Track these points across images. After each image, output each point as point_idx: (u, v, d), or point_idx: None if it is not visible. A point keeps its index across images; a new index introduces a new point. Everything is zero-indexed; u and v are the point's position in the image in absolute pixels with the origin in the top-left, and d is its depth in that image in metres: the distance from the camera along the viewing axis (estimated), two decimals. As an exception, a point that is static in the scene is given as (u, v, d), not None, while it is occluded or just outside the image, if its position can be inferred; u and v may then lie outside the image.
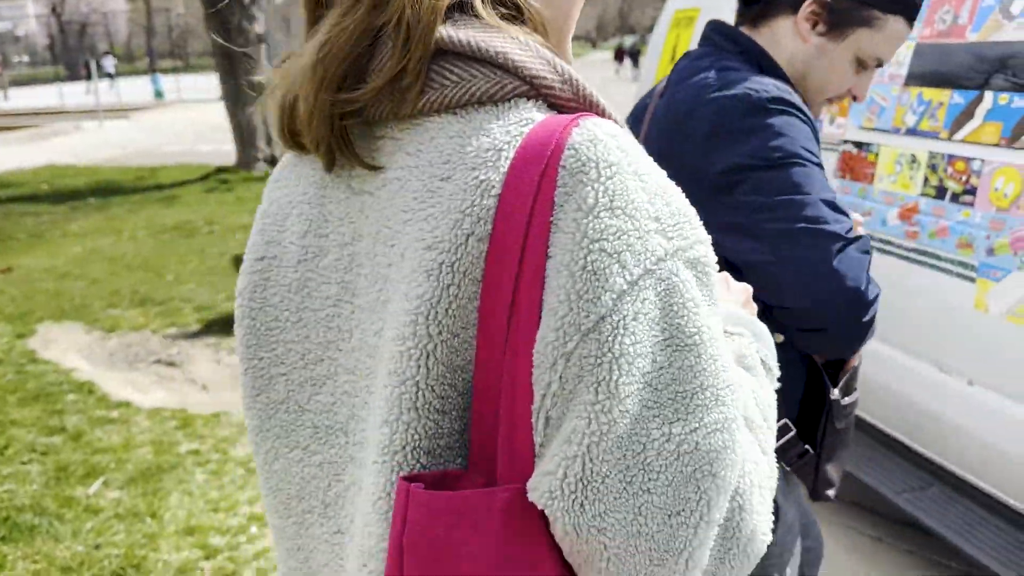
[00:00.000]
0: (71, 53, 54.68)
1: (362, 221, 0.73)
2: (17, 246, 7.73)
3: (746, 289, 0.99)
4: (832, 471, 1.49)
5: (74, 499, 3.21)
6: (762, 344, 0.88)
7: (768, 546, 1.64)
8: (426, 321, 0.67)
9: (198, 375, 4.56)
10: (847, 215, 1.30)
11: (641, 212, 0.65)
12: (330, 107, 0.69)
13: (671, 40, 4.36)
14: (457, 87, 0.69)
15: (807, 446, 1.44)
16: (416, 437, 0.69)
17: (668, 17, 4.49)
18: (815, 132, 1.35)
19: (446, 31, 0.69)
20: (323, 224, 0.76)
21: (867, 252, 1.29)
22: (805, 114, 1.34)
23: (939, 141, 2.54)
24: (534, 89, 0.70)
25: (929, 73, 2.61)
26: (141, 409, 4.07)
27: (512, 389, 0.66)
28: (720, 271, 0.76)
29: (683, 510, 0.64)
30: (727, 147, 1.32)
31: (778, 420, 0.98)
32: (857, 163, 2.87)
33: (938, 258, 2.54)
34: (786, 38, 1.45)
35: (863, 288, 1.26)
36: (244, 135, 10.99)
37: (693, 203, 0.71)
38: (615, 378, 0.62)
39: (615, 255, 0.63)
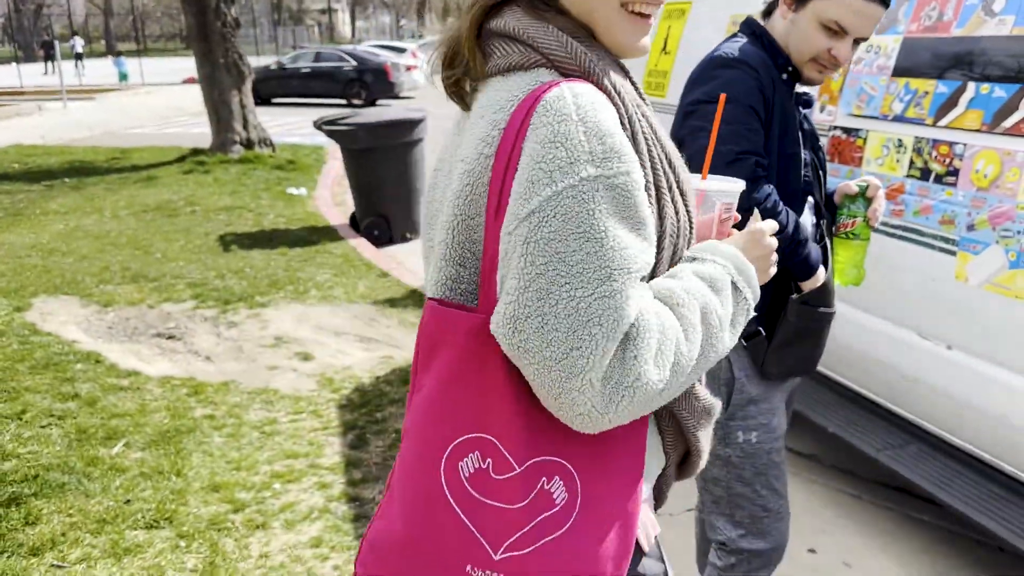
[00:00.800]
0: (26, 34, 53.41)
1: (460, 141, 1.12)
2: (-3, 223, 7.72)
3: (771, 245, 1.20)
4: (781, 359, 1.94)
5: (99, 459, 3.34)
6: (742, 277, 1.11)
7: (756, 445, 1.98)
8: (453, 207, 1.06)
9: (200, 347, 4.67)
10: (754, 144, 1.80)
11: (577, 147, 0.95)
12: (446, 77, 1.13)
13: (662, 32, 4.56)
14: (501, 59, 1.06)
15: (759, 328, 1.91)
16: (444, 278, 1.09)
17: (659, 9, 4.68)
18: (762, 88, 1.84)
19: (496, 21, 1.08)
20: (452, 145, 1.16)
21: (757, 175, 1.77)
22: (759, 72, 1.84)
23: (924, 127, 2.78)
24: (550, 61, 1.04)
25: (916, 65, 2.85)
26: (151, 377, 4.19)
27: (494, 257, 1.01)
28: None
29: (579, 347, 0.94)
30: (696, 88, 1.91)
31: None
32: (846, 147, 3.11)
33: (922, 234, 2.79)
34: (778, 20, 1.93)
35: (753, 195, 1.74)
36: (220, 118, 10.99)
37: (679, 127, 1.33)
38: (536, 253, 0.95)
39: (548, 172, 0.95)
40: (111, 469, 3.27)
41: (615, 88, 1.04)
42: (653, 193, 1.04)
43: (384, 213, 7.36)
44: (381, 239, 7.34)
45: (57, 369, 4.23)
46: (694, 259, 1.10)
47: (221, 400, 3.94)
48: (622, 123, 1.02)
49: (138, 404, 3.86)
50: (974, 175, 2.58)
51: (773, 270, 1.18)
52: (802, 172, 1.92)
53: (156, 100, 22.32)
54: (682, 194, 1.10)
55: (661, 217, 1.05)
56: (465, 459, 1.04)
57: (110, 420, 3.69)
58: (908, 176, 2.83)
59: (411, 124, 7.16)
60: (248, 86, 11.19)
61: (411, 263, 6.51)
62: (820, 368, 2.89)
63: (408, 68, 22.03)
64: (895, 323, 2.97)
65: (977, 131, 2.59)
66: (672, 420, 1.15)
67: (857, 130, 3.07)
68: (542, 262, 0.94)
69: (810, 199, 1.99)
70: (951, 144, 2.67)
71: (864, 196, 1.98)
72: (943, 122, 2.71)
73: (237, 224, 7.71)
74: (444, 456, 1.04)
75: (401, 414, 3.73)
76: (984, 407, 2.65)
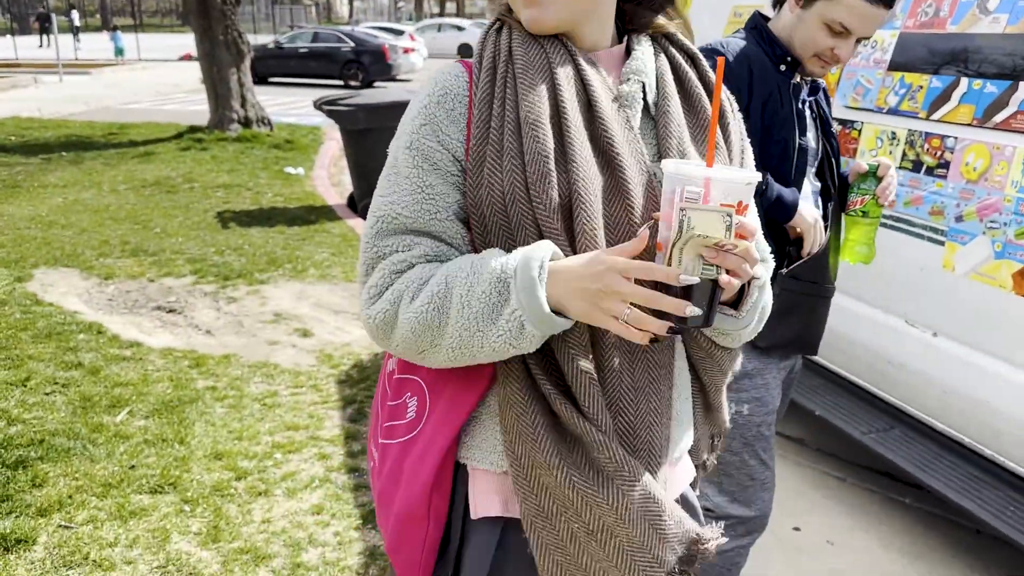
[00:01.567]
0: (21, 6, 52.96)
1: None
2: (-4, 195, 7.74)
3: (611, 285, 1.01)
4: (770, 330, 2.12)
5: (103, 425, 3.41)
6: (518, 283, 1.01)
7: (747, 417, 2.07)
8: None
9: (201, 321, 4.74)
10: None
11: (406, 112, 1.17)
12: None
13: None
14: None
15: None
16: None
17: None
18: (730, 79, 1.85)
19: None
20: None
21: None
22: (733, 65, 1.92)
23: (917, 120, 2.86)
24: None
25: (911, 59, 2.93)
26: (153, 349, 4.26)
27: None
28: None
29: (359, 261, 1.15)
30: None
31: None
32: (841, 139, 3.19)
33: (912, 224, 2.87)
34: (786, 12, 2.00)
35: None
36: (219, 96, 10.99)
37: None
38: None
39: (400, 124, 1.19)
40: (115, 436, 3.34)
41: (481, 65, 1.15)
42: (475, 159, 1.10)
43: (382, 194, 7.41)
44: (379, 220, 7.39)
45: (60, 338, 4.29)
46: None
47: (222, 372, 4.01)
48: (475, 92, 1.13)
49: (140, 374, 3.93)
50: (964, 168, 2.67)
51: (608, 318, 0.98)
52: (794, 158, 1.97)
53: (153, 76, 22.23)
54: (523, 164, 1.07)
55: (477, 185, 1.09)
56: (391, 358, 1.30)
57: (113, 389, 3.76)
58: (900, 167, 2.92)
59: (411, 106, 7.20)
60: (247, 64, 11.19)
61: (408, 244, 6.56)
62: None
63: (406, 50, 21.99)
64: (883, 310, 3.07)
65: (968, 125, 2.67)
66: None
67: (852, 122, 3.15)
68: (373, 196, 1.18)
69: (815, 183, 2.06)
70: (943, 137, 2.75)
71: (875, 175, 2.03)
72: (936, 116, 2.79)
73: (235, 202, 7.75)
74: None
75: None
76: (967, 393, 2.74)
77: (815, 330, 2.10)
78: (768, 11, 2.09)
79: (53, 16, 19.80)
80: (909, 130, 2.89)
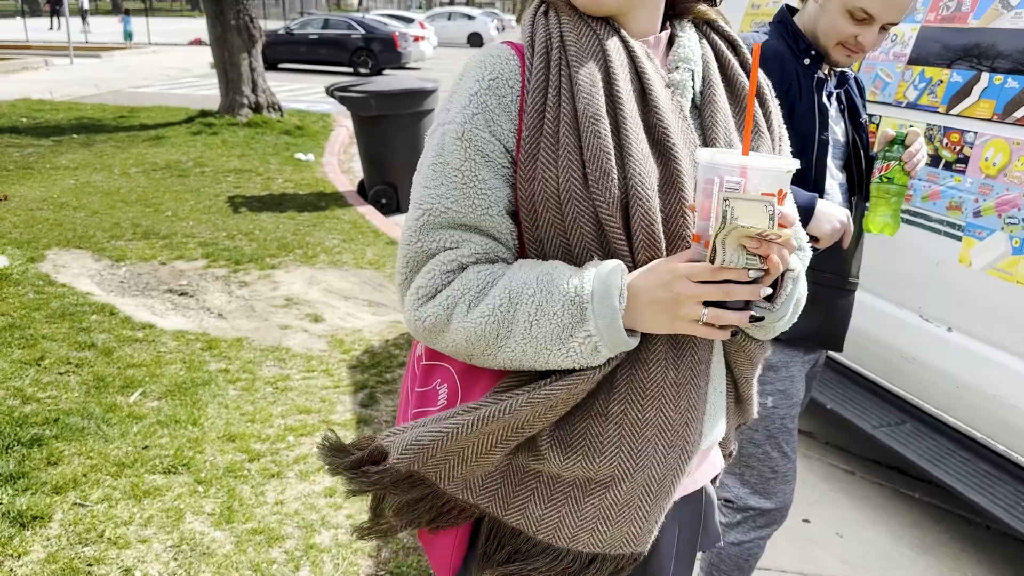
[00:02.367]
0: (31, -13, 52.90)
1: None
2: (8, 176, 7.75)
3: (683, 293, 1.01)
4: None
5: (116, 406, 3.43)
6: (592, 306, 1.01)
7: (771, 410, 2.07)
8: None
9: (212, 304, 4.76)
10: None
11: (446, 97, 1.12)
12: None
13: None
14: None
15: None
16: None
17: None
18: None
19: None
20: None
21: None
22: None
23: (937, 114, 2.85)
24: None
25: (931, 54, 2.92)
26: (165, 331, 4.28)
27: None
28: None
29: (400, 254, 1.12)
30: None
31: None
32: (859, 132, 3.18)
33: (929, 218, 2.87)
34: (810, 6, 1.98)
35: None
36: (229, 81, 10.99)
37: None
38: (415, 177, 1.13)
39: (445, 108, 1.12)
40: (129, 416, 3.36)
41: (534, 50, 1.10)
42: (528, 152, 1.06)
43: (393, 181, 7.42)
44: (389, 207, 7.41)
45: (73, 319, 4.31)
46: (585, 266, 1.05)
47: (235, 355, 4.03)
48: (529, 80, 1.08)
49: (153, 356, 3.95)
50: (983, 163, 2.66)
51: (690, 324, 0.99)
52: (813, 153, 1.95)
53: (163, 60, 22.23)
54: (581, 159, 1.04)
55: (530, 179, 1.05)
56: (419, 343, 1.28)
57: (126, 370, 3.78)
58: (918, 162, 2.91)
59: (423, 94, 7.20)
60: (258, 49, 11.18)
61: (419, 232, 6.57)
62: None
63: (416, 39, 21.96)
64: (897, 304, 3.07)
65: (988, 120, 2.66)
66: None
67: (871, 115, 3.14)
68: (414, 185, 1.12)
69: (839, 176, 2.04)
70: (962, 132, 2.75)
71: (903, 143, 1.95)
72: (955, 110, 2.79)
73: (246, 187, 7.76)
74: None
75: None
76: (980, 388, 2.74)
77: (839, 325, 2.08)
78: (795, 1, 2.07)
79: (64, -1, 19.93)
80: (928, 124, 2.88)
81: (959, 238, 2.75)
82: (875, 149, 2.02)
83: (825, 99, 1.97)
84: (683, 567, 1.28)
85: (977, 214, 2.68)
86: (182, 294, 4.90)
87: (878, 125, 3.10)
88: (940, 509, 3.19)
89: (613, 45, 1.10)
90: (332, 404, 3.60)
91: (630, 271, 1.03)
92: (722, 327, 0.98)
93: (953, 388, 2.86)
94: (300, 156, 9.35)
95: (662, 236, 1.04)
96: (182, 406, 3.47)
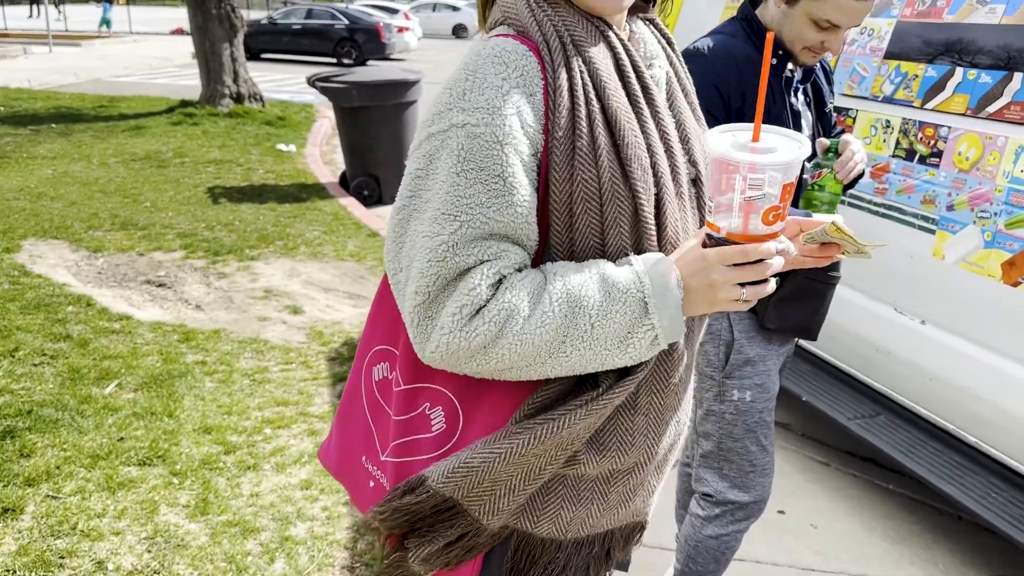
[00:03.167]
0: (10, -26, 52.21)
1: None
2: (-16, 165, 7.67)
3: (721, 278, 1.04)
4: (781, 314, 2.03)
5: (91, 397, 3.40)
6: (655, 299, 1.02)
7: (749, 404, 2.07)
8: None
9: (190, 296, 4.73)
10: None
11: (456, 94, 1.01)
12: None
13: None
14: (491, 17, 1.14)
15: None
16: None
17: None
18: (718, 83, 1.90)
19: None
20: None
21: None
22: (719, 67, 1.91)
23: (912, 109, 2.87)
24: (507, 20, 1.10)
25: (907, 48, 2.94)
26: (142, 322, 4.25)
27: None
28: None
29: (403, 268, 1.03)
30: None
31: None
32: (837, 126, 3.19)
33: (903, 212, 2.89)
34: (771, 7, 1.97)
35: None
36: (211, 71, 10.91)
37: None
38: (406, 185, 1.04)
39: (433, 115, 1.03)
40: (104, 408, 3.33)
41: (550, 47, 1.04)
42: (562, 152, 1.02)
43: (375, 173, 7.39)
44: (371, 199, 7.38)
45: (48, 310, 4.27)
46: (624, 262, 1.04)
47: (212, 347, 4.01)
48: (549, 80, 1.02)
49: (130, 347, 3.92)
50: (956, 157, 2.68)
51: (731, 304, 1.02)
52: None
53: (143, 49, 22.03)
54: (620, 159, 1.04)
55: (568, 180, 1.02)
56: (377, 365, 1.22)
57: (102, 361, 3.75)
58: (894, 156, 2.93)
59: (406, 85, 7.17)
60: (240, 39, 11.10)
61: (400, 223, 6.55)
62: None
63: (400, 29, 21.86)
64: (872, 297, 3.09)
65: (962, 115, 2.68)
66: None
67: (847, 109, 3.16)
68: (407, 194, 1.04)
69: (806, 168, 2.05)
70: (936, 127, 2.77)
71: (835, 151, 1.96)
72: (930, 105, 2.81)
73: (226, 177, 7.71)
74: (365, 360, 1.23)
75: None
76: (953, 380, 2.77)
77: (820, 318, 2.10)
78: None
79: (43, -14, 19.59)
80: (903, 119, 2.90)
81: (933, 232, 2.78)
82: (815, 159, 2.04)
83: (794, 96, 1.99)
84: None
85: (951, 208, 2.70)
86: (160, 285, 4.87)
87: (855, 119, 3.12)
88: (913, 500, 3.22)
89: (614, 42, 1.10)
90: (310, 396, 3.59)
91: None
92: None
93: (926, 380, 2.89)
94: (282, 147, 9.30)
95: (690, 229, 1.12)
96: (158, 398, 3.44)
